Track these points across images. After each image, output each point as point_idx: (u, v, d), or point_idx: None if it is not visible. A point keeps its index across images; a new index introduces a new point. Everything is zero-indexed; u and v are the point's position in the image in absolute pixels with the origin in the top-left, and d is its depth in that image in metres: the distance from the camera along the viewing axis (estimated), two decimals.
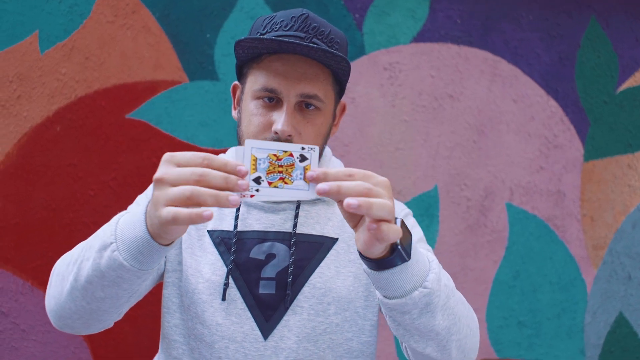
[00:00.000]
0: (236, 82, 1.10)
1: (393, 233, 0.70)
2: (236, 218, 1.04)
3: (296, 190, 0.70)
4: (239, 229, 1.04)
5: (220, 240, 1.04)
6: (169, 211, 0.67)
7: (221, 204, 0.66)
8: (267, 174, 0.70)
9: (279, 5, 1.72)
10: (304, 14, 1.00)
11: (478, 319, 1.74)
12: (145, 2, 1.69)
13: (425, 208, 1.77)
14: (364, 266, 0.79)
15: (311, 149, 0.71)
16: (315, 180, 0.69)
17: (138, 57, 1.69)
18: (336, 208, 1.08)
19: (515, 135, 1.79)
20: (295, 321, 1.01)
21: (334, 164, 1.15)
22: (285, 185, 0.70)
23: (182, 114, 1.70)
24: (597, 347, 1.83)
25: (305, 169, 0.71)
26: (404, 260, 0.75)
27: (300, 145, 0.71)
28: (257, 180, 0.70)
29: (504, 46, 1.78)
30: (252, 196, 0.69)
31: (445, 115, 1.77)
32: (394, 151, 1.76)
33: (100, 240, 0.80)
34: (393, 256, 0.75)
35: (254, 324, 1.00)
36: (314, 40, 0.99)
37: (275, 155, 0.70)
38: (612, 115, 1.82)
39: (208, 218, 0.66)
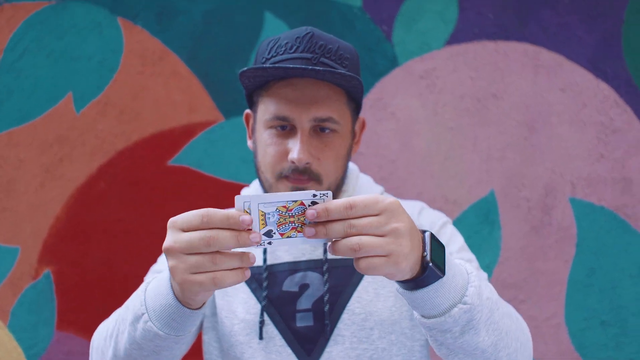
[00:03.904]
0: (248, 111, 1.07)
1: (385, 267, 0.64)
2: (265, 251, 1.01)
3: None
4: (268, 262, 1.01)
5: (251, 276, 1.01)
6: (207, 277, 0.64)
7: (245, 263, 0.65)
8: (278, 226, 0.65)
9: None
10: (308, 32, 0.95)
11: (557, 324, 1.65)
12: (171, 47, 1.68)
13: (484, 215, 1.69)
14: (396, 286, 0.73)
15: (324, 194, 0.65)
16: (318, 218, 0.63)
17: (171, 102, 1.69)
18: None
19: (568, 126, 1.70)
20: (338, 351, 0.96)
21: (362, 181, 1.10)
22: (298, 234, 0.66)
23: (222, 153, 1.69)
24: None
25: None
26: (438, 278, 0.69)
27: (311, 192, 0.65)
28: (269, 234, 0.65)
29: (542, 34, 1.70)
30: (269, 243, 0.66)
31: (491, 116, 1.70)
32: (444, 161, 1.70)
33: (132, 312, 0.78)
34: (425, 275, 0.68)
35: None
36: (322, 59, 0.94)
37: (284, 207, 0.65)
38: None
39: (248, 275, 0.66)
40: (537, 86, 1.70)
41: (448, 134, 1.70)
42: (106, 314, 1.65)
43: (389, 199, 0.66)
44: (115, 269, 1.66)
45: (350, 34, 1.69)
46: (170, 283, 0.72)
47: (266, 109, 0.97)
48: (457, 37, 1.70)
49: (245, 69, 0.92)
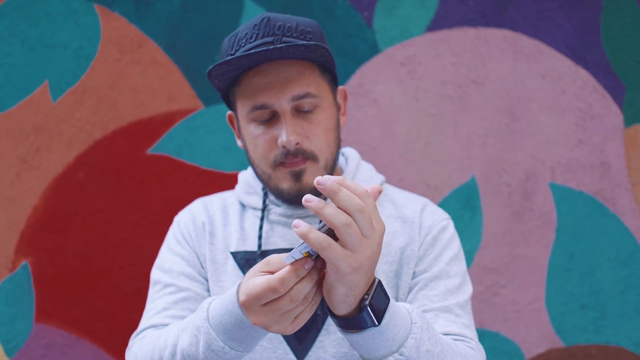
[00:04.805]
0: (230, 113, 1.06)
1: (338, 256, 0.65)
2: (260, 237, 1.00)
3: None
4: (263, 248, 1.00)
5: (245, 261, 1.01)
6: (308, 310, 0.72)
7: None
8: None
9: None
10: (264, 18, 0.94)
11: (538, 308, 1.67)
12: (149, 35, 1.66)
13: (465, 200, 1.70)
14: (336, 325, 0.75)
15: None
16: (323, 189, 0.64)
17: (150, 90, 1.66)
18: None
19: (548, 111, 1.71)
20: (330, 341, 0.96)
21: (363, 169, 1.09)
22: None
23: (203, 141, 1.67)
24: None
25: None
26: (372, 325, 0.70)
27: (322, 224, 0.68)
28: (318, 256, 0.70)
29: (522, 21, 1.71)
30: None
31: (472, 103, 1.70)
32: (425, 147, 1.70)
33: (206, 348, 0.78)
34: (360, 317, 0.69)
35: (287, 348, 0.97)
36: (284, 39, 0.93)
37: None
38: None
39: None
40: (517, 72, 1.71)
41: (429, 120, 1.70)
42: (85, 306, 1.63)
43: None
44: (95, 260, 1.64)
45: (330, 21, 1.68)
46: (246, 318, 0.74)
47: (244, 104, 0.96)
48: (437, 24, 1.70)
49: (210, 67, 0.91)
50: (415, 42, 1.70)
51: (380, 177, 1.10)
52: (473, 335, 0.94)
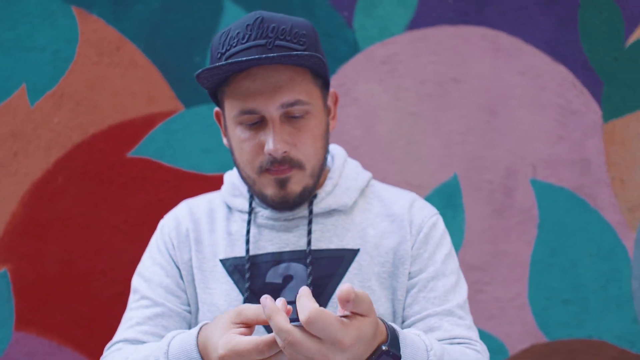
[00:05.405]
0: (217, 109, 1.04)
1: None
2: (247, 242, 0.99)
3: None
4: (251, 253, 0.99)
5: (234, 267, 0.99)
6: None
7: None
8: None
9: None
10: (258, 17, 0.92)
11: (521, 304, 1.68)
12: (128, 36, 1.65)
13: (447, 198, 1.70)
14: None
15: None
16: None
17: (130, 93, 1.65)
18: (354, 217, 1.01)
19: (528, 108, 1.73)
20: None
21: (349, 167, 1.09)
22: None
23: (183, 143, 1.66)
24: None
25: None
26: None
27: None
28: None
29: (501, 19, 1.72)
30: None
31: (452, 101, 1.71)
32: (406, 145, 1.70)
33: None
34: None
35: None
36: (277, 42, 0.91)
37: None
38: (624, 71, 1.75)
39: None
40: (497, 70, 1.72)
41: (410, 118, 1.71)
42: (66, 311, 1.61)
43: (352, 341, 0.68)
44: (76, 265, 1.62)
45: (310, 21, 1.66)
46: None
47: (232, 106, 0.94)
48: (417, 22, 1.71)
49: (199, 71, 0.89)
50: (395, 40, 1.70)
51: (367, 174, 1.09)
52: (476, 335, 0.95)
